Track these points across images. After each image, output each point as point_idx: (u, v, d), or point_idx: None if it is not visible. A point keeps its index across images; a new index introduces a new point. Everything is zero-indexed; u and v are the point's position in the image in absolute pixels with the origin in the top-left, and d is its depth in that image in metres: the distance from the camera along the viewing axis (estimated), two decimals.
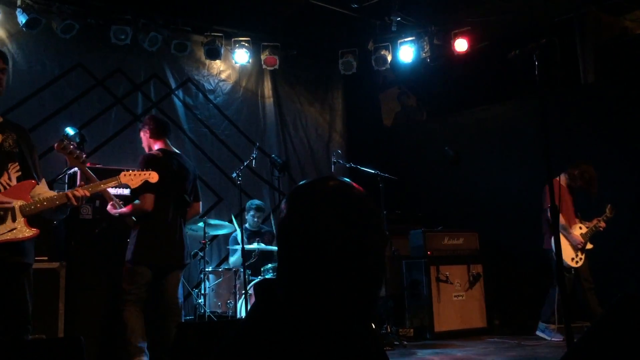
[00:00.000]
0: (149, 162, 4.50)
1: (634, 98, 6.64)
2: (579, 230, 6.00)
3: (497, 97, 7.91)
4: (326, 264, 1.21)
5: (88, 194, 3.39)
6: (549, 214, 5.87)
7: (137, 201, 4.61)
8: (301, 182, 1.34)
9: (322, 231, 1.22)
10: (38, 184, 3.39)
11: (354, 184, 1.30)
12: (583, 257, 5.93)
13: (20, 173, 3.32)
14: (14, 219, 3.18)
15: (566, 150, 6.32)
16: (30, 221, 3.25)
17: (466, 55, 7.46)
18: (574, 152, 6.38)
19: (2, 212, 3.13)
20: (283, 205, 1.31)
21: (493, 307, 6.91)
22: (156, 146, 4.87)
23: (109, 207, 4.68)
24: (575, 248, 5.92)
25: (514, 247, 7.05)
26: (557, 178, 5.86)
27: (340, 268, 1.21)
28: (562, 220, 5.81)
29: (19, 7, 6.12)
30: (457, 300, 6.68)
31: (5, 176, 3.25)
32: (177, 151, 5.06)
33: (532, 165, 6.71)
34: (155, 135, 4.89)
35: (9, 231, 3.16)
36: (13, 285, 3.19)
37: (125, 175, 3.81)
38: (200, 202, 5.16)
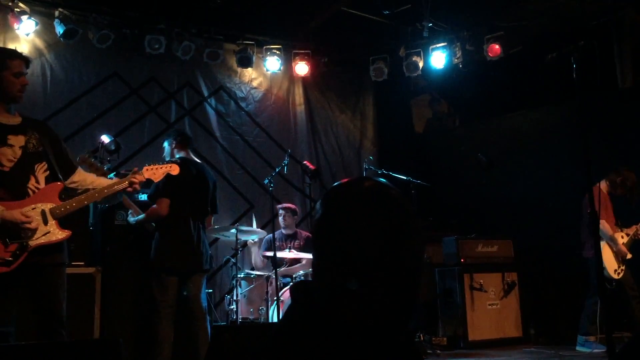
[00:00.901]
0: None
1: None
2: (621, 239, 5.83)
3: (531, 102, 7.78)
4: (363, 265, 1.19)
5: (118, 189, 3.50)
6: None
7: (153, 206, 4.70)
8: (336, 183, 1.32)
9: (358, 232, 1.19)
10: (65, 183, 3.43)
11: (391, 185, 1.27)
12: (624, 267, 5.77)
13: (48, 172, 3.34)
14: (45, 222, 3.22)
15: (603, 157, 6.16)
16: (62, 223, 3.29)
17: (499, 60, 7.34)
18: (611, 159, 6.23)
19: (31, 222, 3.15)
20: (318, 205, 1.28)
21: (529, 316, 6.77)
22: (178, 155, 4.98)
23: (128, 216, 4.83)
24: (619, 259, 5.76)
25: (549, 255, 6.89)
26: (598, 185, 5.73)
27: (378, 270, 1.19)
28: (608, 230, 5.71)
29: (57, 18, 6.26)
30: (491, 308, 6.57)
31: (33, 180, 3.27)
32: (197, 160, 5.17)
33: (567, 171, 6.58)
34: (179, 146, 5.05)
35: (43, 235, 3.20)
36: (44, 286, 3.22)
37: (147, 169, 3.79)
38: (213, 217, 5.25)
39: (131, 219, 4.90)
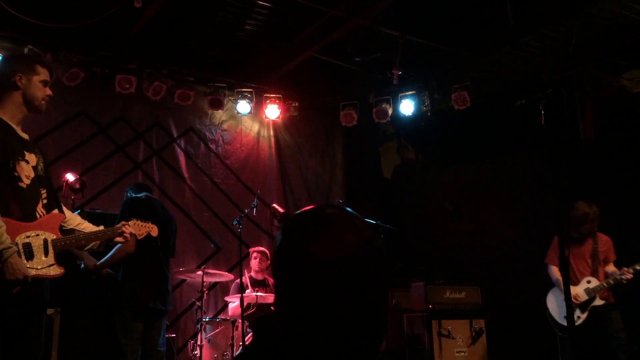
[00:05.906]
0: (133, 204, 4.62)
1: (633, 155, 6.67)
2: (586, 284, 5.66)
3: (498, 150, 7.94)
4: (324, 295, 1.11)
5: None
6: (549, 269, 5.80)
7: (119, 245, 4.53)
8: (298, 211, 1.25)
9: (319, 261, 1.11)
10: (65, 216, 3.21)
11: (355, 214, 1.21)
12: (585, 314, 5.53)
13: (46, 201, 3.05)
14: (46, 253, 2.92)
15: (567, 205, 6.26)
16: (57, 258, 3.01)
17: (467, 109, 7.50)
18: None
19: (37, 243, 2.89)
20: (279, 234, 1.22)
21: None
22: (138, 195, 4.99)
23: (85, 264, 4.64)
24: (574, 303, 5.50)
25: (516, 302, 6.91)
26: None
27: (341, 303, 1.11)
28: (554, 274, 5.74)
29: (26, 55, 6.18)
30: (459, 356, 6.49)
31: (40, 204, 2.99)
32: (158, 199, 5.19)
33: (534, 218, 6.67)
34: (136, 191, 5.08)
35: (49, 266, 2.91)
36: (28, 329, 2.93)
37: (133, 224, 3.54)
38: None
39: (91, 264, 4.61)
